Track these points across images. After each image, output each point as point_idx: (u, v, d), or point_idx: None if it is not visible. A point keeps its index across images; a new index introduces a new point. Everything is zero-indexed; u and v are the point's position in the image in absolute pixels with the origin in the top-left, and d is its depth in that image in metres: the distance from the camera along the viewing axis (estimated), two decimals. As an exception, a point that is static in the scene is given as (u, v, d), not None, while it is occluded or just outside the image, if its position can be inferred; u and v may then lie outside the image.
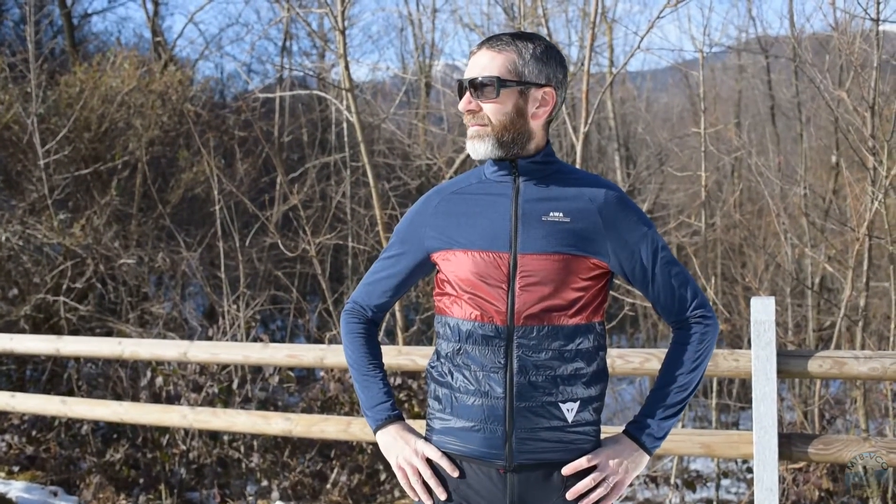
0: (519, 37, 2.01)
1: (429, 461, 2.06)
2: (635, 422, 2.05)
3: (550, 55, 2.01)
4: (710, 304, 2.14)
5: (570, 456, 1.99)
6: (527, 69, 1.98)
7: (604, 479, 1.99)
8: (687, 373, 2.04)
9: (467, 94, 2.00)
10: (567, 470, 1.98)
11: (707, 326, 2.07)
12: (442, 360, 2.07)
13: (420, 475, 2.05)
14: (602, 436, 2.10)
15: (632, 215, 2.02)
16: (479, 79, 1.98)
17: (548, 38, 2.06)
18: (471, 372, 2.00)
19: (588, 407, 2.02)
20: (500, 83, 1.96)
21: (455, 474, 2.02)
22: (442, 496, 2.03)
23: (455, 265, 2.02)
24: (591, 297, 2.01)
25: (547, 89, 2.00)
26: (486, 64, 1.99)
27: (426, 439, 2.10)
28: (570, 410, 1.98)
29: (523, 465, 1.97)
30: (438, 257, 2.08)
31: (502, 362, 1.96)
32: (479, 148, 2.00)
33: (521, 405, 1.95)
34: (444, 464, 2.03)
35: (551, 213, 1.97)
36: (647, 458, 2.03)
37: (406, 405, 5.56)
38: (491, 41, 2.01)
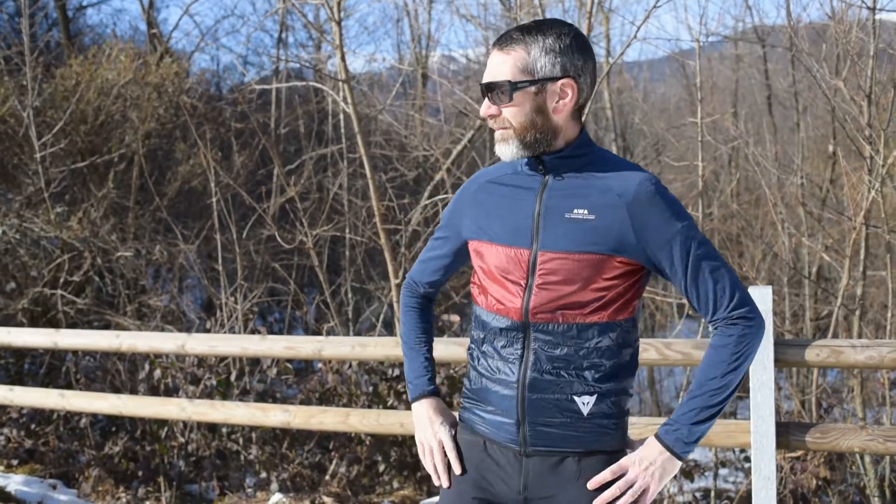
0: (529, 30, 1.93)
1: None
2: (666, 425, 1.99)
3: (565, 43, 1.91)
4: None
5: (586, 447, 1.98)
6: (538, 65, 1.90)
7: (631, 485, 1.96)
8: (721, 376, 1.94)
9: (486, 99, 1.96)
10: (592, 484, 1.97)
11: (747, 328, 1.95)
12: (473, 346, 2.12)
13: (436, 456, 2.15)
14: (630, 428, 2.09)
15: (664, 210, 1.92)
16: (492, 84, 1.93)
17: (568, 23, 1.97)
18: (493, 360, 2.03)
19: (606, 400, 1.98)
20: (511, 87, 1.90)
21: (458, 471, 2.08)
22: (457, 471, 2.10)
23: (483, 256, 2.04)
24: (616, 295, 1.95)
25: (564, 80, 1.91)
26: (497, 67, 1.93)
27: (452, 423, 2.19)
28: (585, 404, 1.96)
29: (538, 451, 1.99)
30: (471, 246, 2.10)
31: (519, 354, 1.98)
32: (504, 151, 1.96)
33: (533, 397, 1.97)
34: (452, 457, 2.10)
35: (575, 211, 1.92)
36: (678, 463, 1.97)
37: (405, 396, 5.57)
38: (501, 41, 1.95)
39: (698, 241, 1.94)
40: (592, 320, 1.93)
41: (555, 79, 1.91)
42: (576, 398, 1.95)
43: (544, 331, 1.95)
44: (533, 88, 1.90)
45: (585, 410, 1.96)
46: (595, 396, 1.96)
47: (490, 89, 1.94)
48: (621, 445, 2.03)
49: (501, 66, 1.92)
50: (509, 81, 1.91)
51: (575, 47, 1.91)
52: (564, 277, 1.91)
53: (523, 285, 1.95)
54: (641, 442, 2.03)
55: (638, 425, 3.57)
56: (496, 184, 2.07)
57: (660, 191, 1.93)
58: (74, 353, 7.01)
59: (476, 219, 2.07)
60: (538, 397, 1.96)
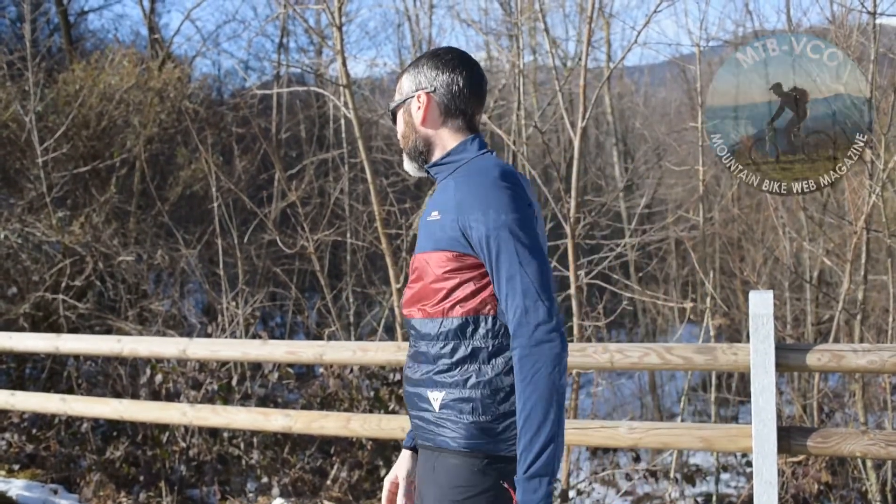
0: (410, 64, 2.20)
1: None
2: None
3: (421, 63, 2.15)
4: (551, 320, 1.86)
5: (440, 445, 1.99)
6: (404, 87, 2.17)
7: None
8: (522, 407, 1.86)
9: None
10: None
11: (524, 352, 1.86)
12: None
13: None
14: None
15: (482, 202, 1.92)
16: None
17: (445, 47, 2.22)
18: None
19: (458, 399, 1.96)
20: (392, 111, 2.21)
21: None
22: None
23: None
24: (454, 290, 1.98)
25: (418, 93, 2.13)
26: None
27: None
28: (435, 400, 2.00)
29: (419, 443, 2.08)
30: None
31: (411, 350, 2.13)
32: (405, 166, 2.23)
33: (407, 388, 2.10)
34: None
35: (432, 214, 2.03)
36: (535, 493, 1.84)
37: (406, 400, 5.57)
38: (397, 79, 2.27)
39: (504, 240, 1.90)
40: (435, 314, 2.00)
41: (413, 93, 2.14)
42: (428, 392, 2.02)
43: (409, 325, 2.09)
44: (402, 107, 2.18)
45: (436, 406, 2.00)
46: (444, 393, 1.99)
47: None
48: (492, 451, 1.95)
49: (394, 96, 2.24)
50: (389, 105, 2.22)
51: (431, 65, 2.13)
52: (419, 275, 2.04)
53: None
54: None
55: (639, 430, 3.57)
56: None
57: (484, 181, 1.94)
58: (76, 357, 7.02)
59: None
60: (409, 390, 2.08)
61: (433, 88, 2.11)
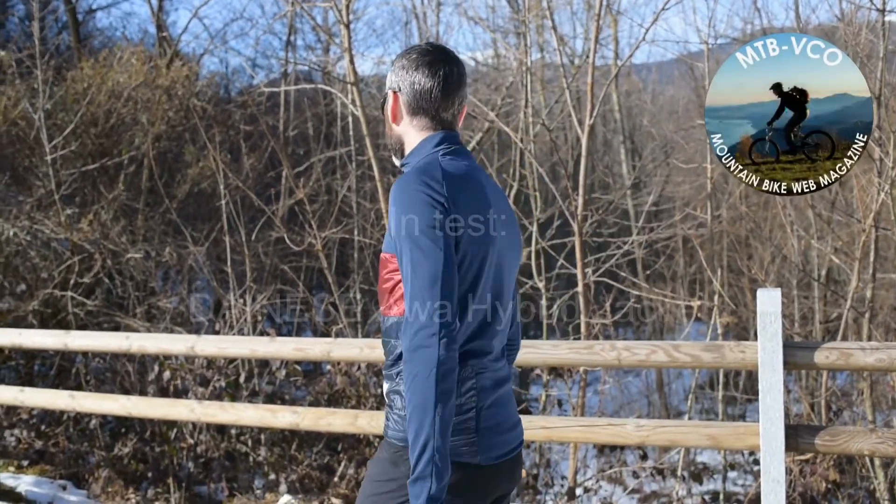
0: None
1: None
2: None
3: (395, 64, 2.19)
4: (432, 324, 1.84)
5: (384, 432, 2.08)
6: (385, 84, 2.23)
7: None
8: (406, 407, 1.89)
9: None
10: None
11: (404, 356, 1.88)
12: None
13: None
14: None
15: (393, 204, 1.98)
16: None
17: (416, 45, 2.24)
18: None
19: (395, 391, 2.03)
20: (381, 108, 2.29)
21: None
22: None
23: None
24: (392, 289, 2.03)
25: (388, 92, 2.18)
26: None
27: None
28: (384, 389, 2.07)
29: None
30: None
31: None
32: (395, 161, 2.26)
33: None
34: None
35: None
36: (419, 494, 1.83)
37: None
38: None
39: (404, 241, 1.92)
40: (384, 313, 2.06)
41: (387, 92, 2.20)
42: (384, 383, 2.08)
43: None
44: (384, 103, 2.22)
45: (385, 394, 2.07)
46: (388, 385, 2.05)
47: None
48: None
49: None
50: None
51: (399, 65, 2.17)
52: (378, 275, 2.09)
53: None
54: None
55: (647, 428, 3.57)
56: None
57: (403, 181, 1.99)
58: (84, 354, 7.04)
59: None
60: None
61: (399, 87, 2.15)
